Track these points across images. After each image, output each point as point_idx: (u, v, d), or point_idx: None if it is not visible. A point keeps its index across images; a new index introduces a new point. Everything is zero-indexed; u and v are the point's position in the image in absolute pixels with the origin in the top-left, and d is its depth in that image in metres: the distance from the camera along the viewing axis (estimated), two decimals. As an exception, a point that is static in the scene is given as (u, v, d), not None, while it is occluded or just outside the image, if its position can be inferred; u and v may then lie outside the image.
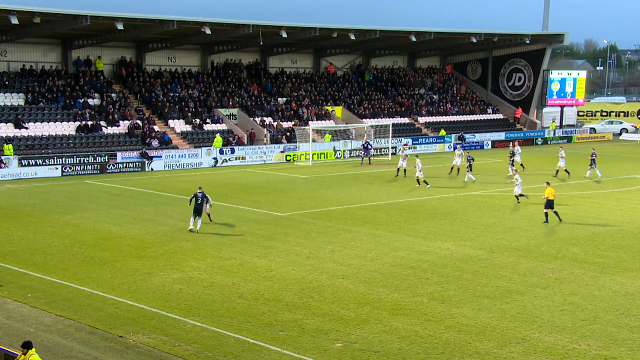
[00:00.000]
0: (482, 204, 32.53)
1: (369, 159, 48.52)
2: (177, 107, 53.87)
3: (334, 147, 51.87)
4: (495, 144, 63.25)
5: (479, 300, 18.01)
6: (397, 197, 34.17)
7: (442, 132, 62.30)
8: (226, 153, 49.04)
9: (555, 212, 27.98)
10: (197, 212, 25.49)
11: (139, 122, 50.23)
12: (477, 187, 37.72)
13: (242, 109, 56.01)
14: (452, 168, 43.23)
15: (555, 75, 70.40)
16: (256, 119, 55.53)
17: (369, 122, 58.98)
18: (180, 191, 36.00)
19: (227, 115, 54.78)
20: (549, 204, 27.80)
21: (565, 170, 41.39)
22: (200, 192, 25.65)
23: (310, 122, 56.70)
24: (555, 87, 70.05)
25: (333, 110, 60.51)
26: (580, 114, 78.87)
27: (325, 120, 59.13)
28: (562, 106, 72.04)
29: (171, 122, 52.43)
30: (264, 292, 18.50)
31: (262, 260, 21.56)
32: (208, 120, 53.75)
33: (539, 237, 25.48)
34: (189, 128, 52.50)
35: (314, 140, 52.57)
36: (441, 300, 17.99)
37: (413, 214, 29.79)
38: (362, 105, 62.68)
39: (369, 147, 49.06)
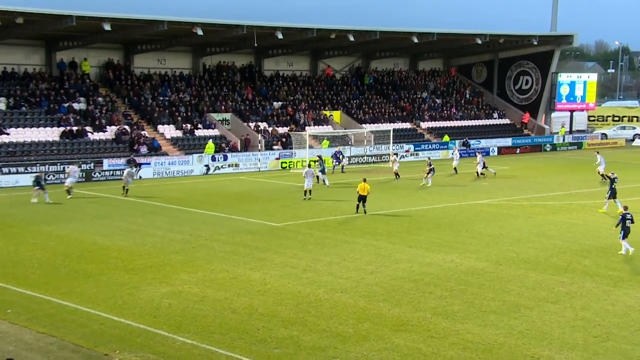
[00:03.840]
0: (488, 213, 32.53)
1: (342, 168, 48.96)
2: (167, 111, 53.83)
3: (333, 154, 51.69)
4: (501, 150, 63.38)
5: (485, 316, 17.99)
6: (398, 206, 34.21)
7: (446, 138, 62.41)
8: (219, 160, 49.07)
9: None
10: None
11: (126, 127, 50.19)
12: (482, 195, 37.95)
13: (236, 113, 56.02)
14: (455, 169, 45.68)
15: (564, 78, 70.54)
16: (250, 124, 55.54)
17: (368, 127, 59.06)
18: (170, 200, 35.96)
19: (219, 120, 54.83)
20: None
21: (603, 175, 42.18)
22: None
23: (307, 128, 56.75)
24: (564, 90, 70.19)
25: (331, 115, 60.58)
26: (591, 118, 78.93)
27: (323, 125, 59.17)
28: (571, 111, 72.11)
29: (161, 128, 52.41)
30: (258, 307, 18.49)
31: (256, 273, 21.58)
32: (200, 126, 53.79)
33: (548, 248, 25.48)
34: (179, 134, 52.49)
35: (311, 147, 52.64)
36: (445, 316, 17.96)
37: (415, 224, 29.85)
38: (361, 110, 62.73)
39: (340, 155, 49.30)
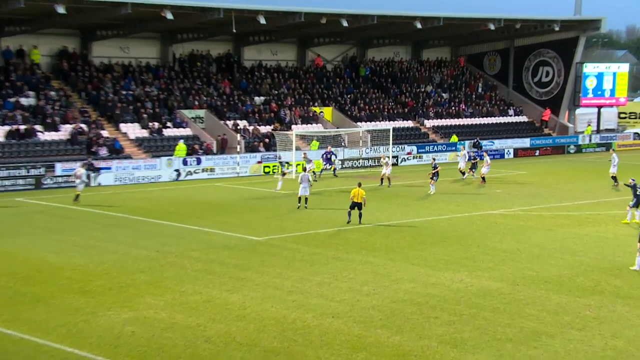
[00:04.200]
0: (503, 225, 32.59)
1: (334, 171, 49.60)
2: (130, 108, 53.76)
3: (323, 154, 51.68)
4: (518, 152, 63.69)
5: (500, 345, 17.99)
6: (399, 217, 34.28)
7: (454, 138, 62.61)
8: (191, 164, 49.14)
9: None
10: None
11: (83, 126, 50.03)
12: (496, 204, 38.12)
13: (211, 110, 56.04)
14: (463, 172, 47.15)
15: (590, 69, 70.99)
16: (228, 122, 55.59)
17: (364, 126, 59.08)
18: (134, 210, 35.85)
19: (192, 118, 54.84)
20: None
21: (613, 178, 43.15)
22: None
23: (293, 127, 56.81)
24: (590, 83, 70.59)
25: (321, 112, 60.73)
26: (622, 115, 79.22)
27: (312, 123, 59.31)
28: (599, 107, 72.47)
29: (123, 127, 52.32)
30: (236, 335, 18.46)
31: (234, 296, 21.62)
32: (169, 124, 53.76)
33: (572, 266, 25.53)
34: (145, 134, 52.43)
35: (298, 148, 52.58)
36: (454, 345, 17.94)
37: (419, 237, 29.93)
38: (356, 106, 62.89)
39: (332, 157, 49.79)
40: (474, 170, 47.58)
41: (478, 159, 48.33)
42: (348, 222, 31.94)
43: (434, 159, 44.21)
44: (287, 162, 47.51)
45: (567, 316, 20.03)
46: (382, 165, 45.16)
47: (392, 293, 21.95)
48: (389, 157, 49.38)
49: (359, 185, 32.32)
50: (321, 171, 48.70)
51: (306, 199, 35.74)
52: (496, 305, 20.82)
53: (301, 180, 35.79)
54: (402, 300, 21.27)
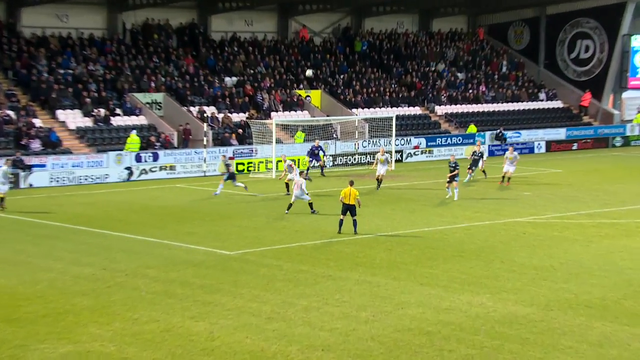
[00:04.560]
0: (533, 236, 32.43)
1: (321, 169, 50.02)
2: (70, 91, 53.55)
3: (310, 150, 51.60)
4: (551, 145, 63.72)
5: (530, 385, 17.72)
6: (404, 226, 34.19)
7: (472, 129, 62.66)
8: (146, 160, 49.01)
9: None
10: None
11: (10, 113, 49.81)
12: (524, 210, 38.00)
13: (171, 93, 55.92)
14: (484, 171, 47.29)
15: (640, 42, 71.17)
16: (192, 109, 55.46)
17: (361, 113, 58.95)
18: (74, 218, 35.60)
19: (147, 103, 54.67)
20: None
21: None
22: None
23: (273, 114, 56.60)
24: None
25: (308, 97, 60.54)
26: None
27: (296, 110, 59.14)
28: None
29: (61, 114, 52.15)
30: (202, 374, 18.19)
31: (200, 324, 21.46)
32: (118, 111, 53.56)
33: (620, 287, 25.33)
34: (88, 123, 52.23)
35: (279, 141, 52.24)
36: (473, 385, 17.73)
37: (428, 251, 29.87)
38: (351, 89, 62.75)
39: (320, 152, 49.88)
40: (473, 169, 46.88)
41: (483, 155, 47.69)
42: (339, 232, 32.04)
43: (453, 157, 43.46)
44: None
45: (614, 349, 19.81)
46: (376, 162, 44.73)
47: (396, 320, 21.79)
48: (389, 153, 49.15)
49: (351, 183, 32.35)
50: (307, 170, 48.85)
51: (310, 204, 36.46)
52: (525, 336, 20.64)
53: (295, 186, 36.44)
54: (409, 329, 21.11)
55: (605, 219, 35.98)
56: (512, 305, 23.20)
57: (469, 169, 46.68)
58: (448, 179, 40.77)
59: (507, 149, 48.61)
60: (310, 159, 49.81)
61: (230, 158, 48.70)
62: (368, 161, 54.66)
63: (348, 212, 31.99)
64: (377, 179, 44.29)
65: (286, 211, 36.43)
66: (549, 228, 34.17)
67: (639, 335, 20.90)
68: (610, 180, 47.95)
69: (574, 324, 21.58)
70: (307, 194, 36.59)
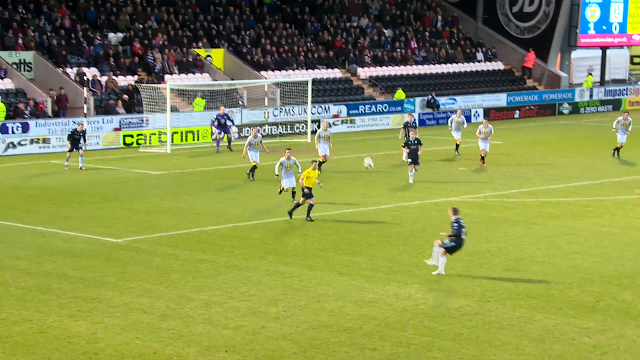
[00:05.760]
0: (469, 217, 30.78)
1: (229, 142, 48.59)
2: None
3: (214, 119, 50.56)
4: (490, 113, 62.45)
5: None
6: (322, 208, 33.59)
7: (400, 94, 61.23)
8: (14, 132, 47.73)
9: None
10: None
11: None
12: (459, 188, 38.29)
13: (43, 52, 54.21)
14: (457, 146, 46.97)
15: (591, -5, 71.04)
16: (69, 70, 53.88)
17: (272, 76, 58.36)
18: None
19: (14, 63, 52.90)
20: None
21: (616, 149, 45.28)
22: None
23: (167, 77, 55.67)
24: (591, 14, 70.57)
25: (209, 57, 59.50)
26: (636, 61, 79.16)
27: (194, 73, 58.05)
28: (604, 48, 72.33)
29: None
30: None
31: (81, 323, 21.05)
32: (-23, 74, 51.48)
33: (565, 273, 25.67)
34: (-60, 88, 50.40)
35: (175, 109, 51.58)
36: (401, 391, 18.17)
37: (349, 236, 30.11)
38: (259, 47, 61.76)
39: (228, 122, 48.64)
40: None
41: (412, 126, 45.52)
42: (292, 217, 31.85)
43: (411, 115, 41.22)
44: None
45: (557, 344, 19.96)
46: (316, 138, 42.05)
47: (312, 315, 21.80)
48: (330, 125, 47.23)
49: (315, 164, 32.09)
50: (218, 142, 48.17)
51: (293, 193, 34.39)
52: (458, 331, 20.77)
53: (285, 173, 34.14)
54: (326, 325, 21.09)
55: (549, 198, 36.22)
56: (444, 297, 23.67)
57: (403, 146, 43.07)
58: (409, 161, 38.89)
59: (442, 117, 46.09)
60: (218, 130, 48.32)
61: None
62: (280, 132, 53.95)
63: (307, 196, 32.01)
64: (320, 161, 40.42)
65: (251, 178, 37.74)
66: (487, 208, 34.50)
67: (585, 329, 21.17)
68: (557, 153, 47.92)
69: (513, 317, 21.88)
70: (293, 181, 34.50)
